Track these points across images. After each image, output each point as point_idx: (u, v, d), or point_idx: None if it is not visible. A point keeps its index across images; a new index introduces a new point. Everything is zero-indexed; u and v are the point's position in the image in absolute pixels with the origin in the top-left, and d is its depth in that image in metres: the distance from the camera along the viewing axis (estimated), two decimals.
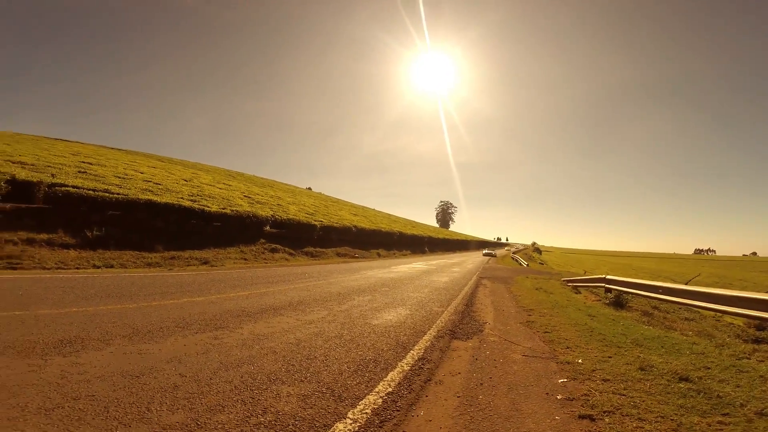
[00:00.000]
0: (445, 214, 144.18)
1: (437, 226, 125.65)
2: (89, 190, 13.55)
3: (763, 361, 4.20)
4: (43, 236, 11.36)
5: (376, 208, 79.60)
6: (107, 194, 13.73)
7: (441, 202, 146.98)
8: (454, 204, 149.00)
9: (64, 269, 9.77)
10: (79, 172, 16.66)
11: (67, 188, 12.92)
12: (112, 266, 11.01)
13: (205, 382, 2.93)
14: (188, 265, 12.92)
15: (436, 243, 55.40)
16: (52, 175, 14.10)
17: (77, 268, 10.07)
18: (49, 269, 9.49)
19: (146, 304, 5.83)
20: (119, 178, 17.91)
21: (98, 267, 10.58)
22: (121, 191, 14.76)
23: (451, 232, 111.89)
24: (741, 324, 8.13)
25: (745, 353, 4.57)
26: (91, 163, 19.96)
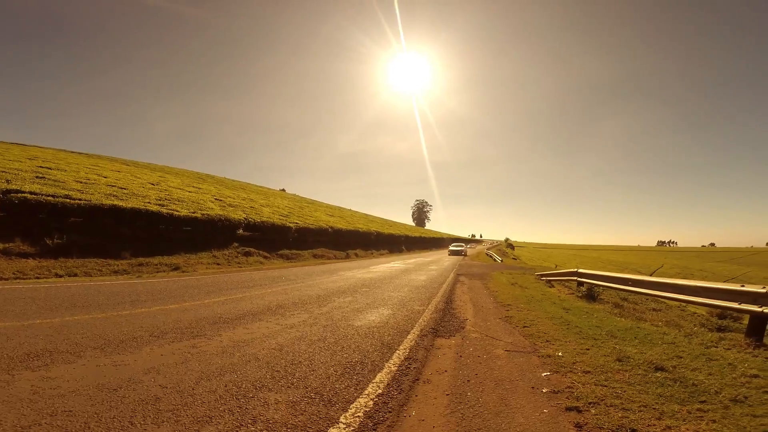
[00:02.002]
0: (420, 213, 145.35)
1: (413, 224, 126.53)
2: (48, 196, 12.81)
3: (729, 349, 4.43)
4: None
5: (353, 209, 79.29)
6: (68, 200, 13.03)
7: (416, 201, 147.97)
8: (430, 203, 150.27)
9: (24, 279, 9.20)
10: (37, 177, 15.73)
11: (23, 194, 12.16)
12: (75, 275, 10.45)
13: (188, 393, 2.81)
14: (158, 272, 12.43)
15: (412, 241, 55.77)
16: (7, 181, 13.26)
17: (38, 278, 9.50)
18: (6, 279, 8.91)
19: (116, 314, 5.56)
20: (81, 183, 17.03)
21: (61, 276, 10.02)
22: (83, 197, 14.04)
23: (427, 230, 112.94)
24: (704, 313, 8.60)
25: (712, 342, 4.81)
26: (49, 168, 18.89)
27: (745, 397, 2.92)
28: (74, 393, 2.72)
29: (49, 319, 5.00)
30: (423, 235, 69.27)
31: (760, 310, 4.71)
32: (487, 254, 43.49)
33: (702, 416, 2.62)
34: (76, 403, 2.57)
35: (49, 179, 15.84)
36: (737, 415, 2.64)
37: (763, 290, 4.74)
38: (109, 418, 2.37)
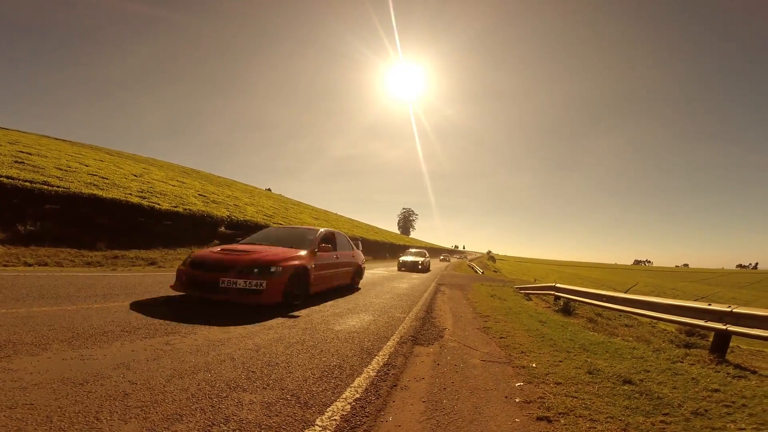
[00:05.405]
0: (406, 221, 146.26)
1: (399, 232, 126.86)
2: (25, 181, 12.41)
3: (694, 364, 4.60)
4: None
5: (341, 213, 79.01)
6: (46, 186, 12.64)
7: (403, 209, 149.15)
8: (416, 212, 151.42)
9: None
10: (16, 161, 15.21)
11: None
12: (46, 264, 10.10)
13: (158, 390, 2.75)
14: (133, 266, 12.12)
15: (397, 249, 55.82)
16: None
17: (5, 266, 9.14)
18: None
19: (87, 307, 5.39)
20: (61, 170, 16.53)
21: (30, 265, 9.67)
22: (62, 184, 13.63)
23: (412, 239, 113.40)
24: (673, 330, 8.86)
25: (678, 357, 4.98)
26: (30, 154, 18.27)
27: (706, 410, 3.03)
28: (37, 386, 2.62)
29: (15, 309, 4.81)
30: (407, 244, 69.43)
31: (724, 327, 4.91)
32: (469, 266, 43.95)
33: (664, 428, 2.70)
34: (38, 396, 2.48)
35: (28, 165, 15.33)
36: (697, 427, 2.74)
37: (728, 309, 4.94)
38: (73, 413, 2.29)
